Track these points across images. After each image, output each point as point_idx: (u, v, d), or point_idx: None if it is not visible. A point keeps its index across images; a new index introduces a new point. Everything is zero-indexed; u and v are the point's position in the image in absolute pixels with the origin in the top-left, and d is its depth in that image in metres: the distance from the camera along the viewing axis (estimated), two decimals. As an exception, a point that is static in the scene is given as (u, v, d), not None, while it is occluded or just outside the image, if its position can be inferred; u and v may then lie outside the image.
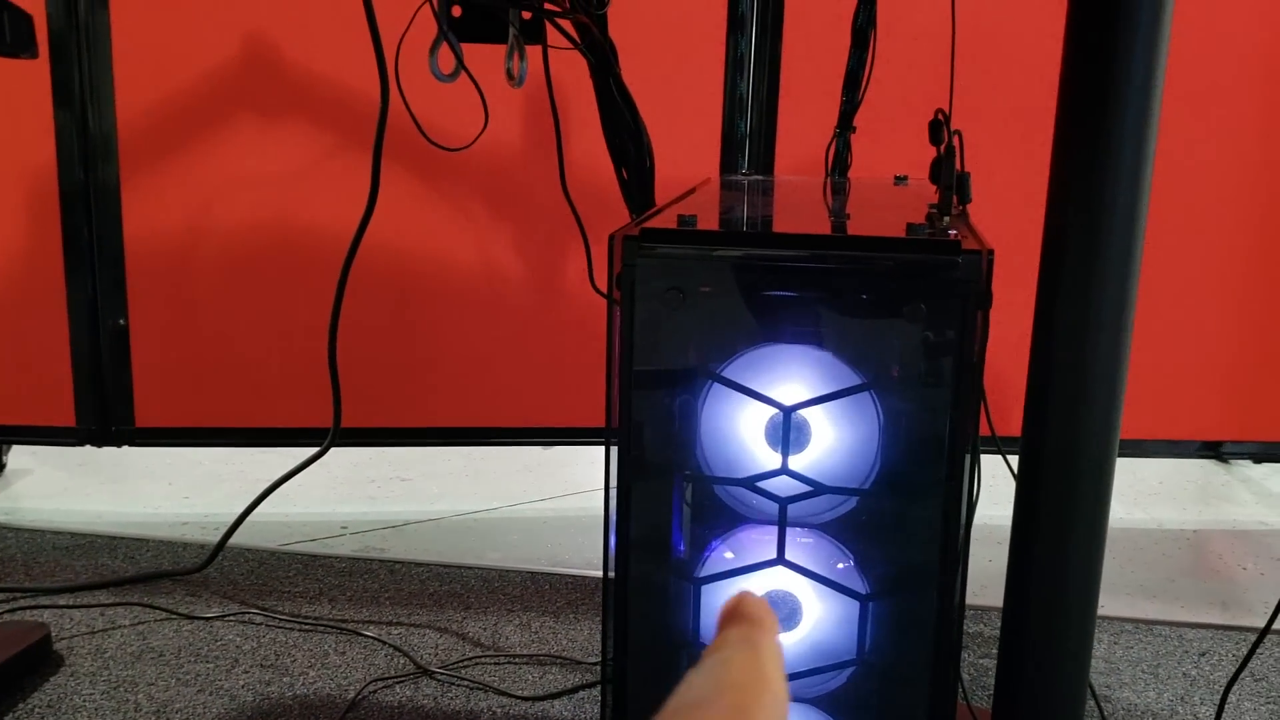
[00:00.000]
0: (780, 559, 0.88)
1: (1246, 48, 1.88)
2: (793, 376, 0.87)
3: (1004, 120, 1.83)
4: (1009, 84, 1.84)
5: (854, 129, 1.43)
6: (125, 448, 1.92)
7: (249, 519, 1.68)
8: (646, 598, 0.92)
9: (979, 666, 1.44)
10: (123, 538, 1.80)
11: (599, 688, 1.37)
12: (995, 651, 1.47)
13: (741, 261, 0.85)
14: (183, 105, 1.84)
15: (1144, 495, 2.12)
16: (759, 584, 0.90)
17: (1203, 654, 1.49)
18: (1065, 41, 0.92)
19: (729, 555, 0.91)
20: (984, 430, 0.91)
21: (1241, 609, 1.64)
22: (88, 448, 1.92)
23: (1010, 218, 1.45)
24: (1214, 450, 2.11)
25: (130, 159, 1.84)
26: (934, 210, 0.98)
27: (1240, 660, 1.46)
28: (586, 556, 1.77)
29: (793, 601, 0.90)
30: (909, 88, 1.69)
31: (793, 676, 0.89)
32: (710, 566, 0.90)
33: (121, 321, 1.88)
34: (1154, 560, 1.82)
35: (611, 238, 0.86)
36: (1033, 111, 1.81)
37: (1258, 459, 2.19)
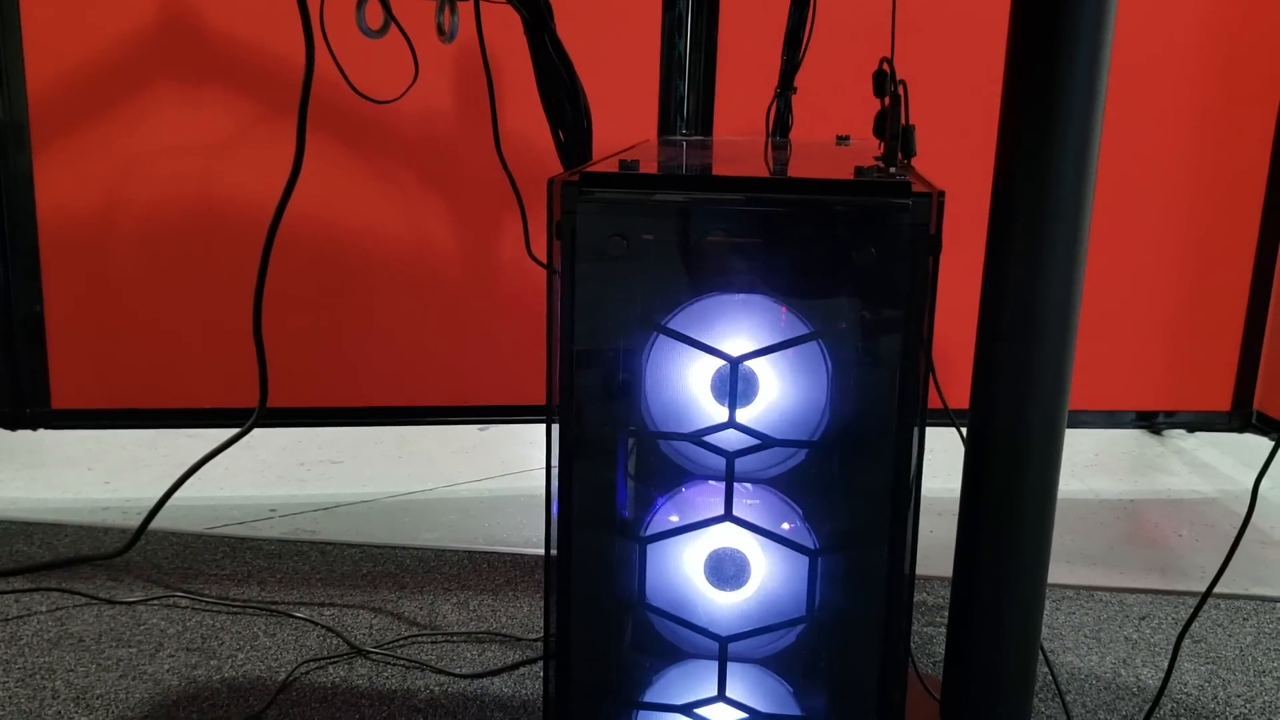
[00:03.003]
0: (728, 515, 0.85)
1: (1185, 21, 1.90)
2: (740, 327, 0.84)
3: (949, 80, 1.83)
4: (952, 43, 1.83)
5: (795, 90, 1.41)
6: (41, 431, 1.84)
7: (173, 503, 1.61)
8: (591, 561, 0.89)
9: (922, 635, 1.43)
10: (39, 524, 1.72)
11: (540, 663, 1.33)
12: (938, 620, 1.47)
13: (687, 206, 0.82)
14: (98, 74, 1.77)
15: (1080, 467, 2.13)
16: (707, 541, 0.87)
17: (1143, 618, 1.49)
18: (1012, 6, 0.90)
19: (674, 519, 0.88)
20: (932, 402, 0.89)
21: (1178, 574, 1.65)
22: (0, 431, 1.84)
23: (955, 179, 1.44)
24: (1148, 420, 2.13)
25: (43, 132, 1.77)
26: (879, 161, 0.96)
27: (1180, 622, 1.47)
28: (526, 535, 1.74)
29: (741, 558, 0.87)
30: (850, 49, 1.68)
31: (742, 636, 0.87)
32: (656, 525, 0.88)
33: (37, 308, 1.81)
34: (1093, 529, 1.83)
35: (551, 182, 0.82)
36: (977, 73, 1.81)
37: (1191, 428, 2.21)
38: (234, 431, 1.58)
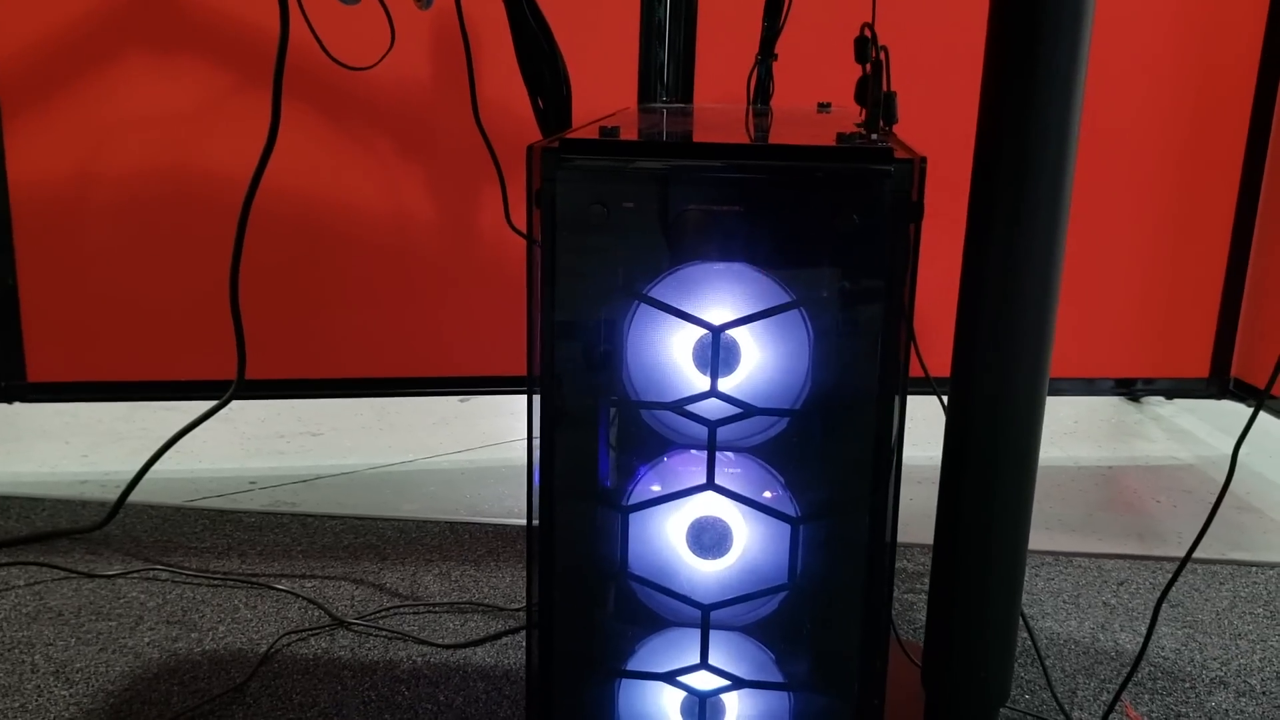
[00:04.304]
0: (710, 484, 0.85)
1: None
2: (721, 296, 0.84)
3: (931, 46, 1.82)
4: (934, 9, 1.83)
5: (775, 56, 1.40)
6: (16, 404, 1.83)
7: (152, 476, 1.60)
8: (573, 531, 0.88)
9: (902, 601, 1.43)
10: (15, 497, 1.71)
11: (522, 633, 1.33)
12: (917, 587, 1.48)
13: (668, 173, 0.81)
14: (68, 43, 1.74)
15: (1059, 434, 2.14)
16: (689, 510, 0.87)
17: (1121, 583, 1.51)
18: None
19: (656, 489, 0.88)
20: (913, 370, 0.89)
21: (1156, 540, 1.67)
22: (-25, 405, 1.83)
23: (937, 147, 1.44)
24: (1127, 387, 2.14)
25: (13, 103, 1.74)
26: (861, 127, 0.96)
27: (1158, 587, 1.48)
28: (507, 505, 1.73)
29: (723, 527, 0.87)
30: (831, 16, 1.67)
31: (724, 604, 0.87)
32: (638, 494, 0.87)
33: (10, 281, 1.78)
34: (1071, 496, 1.84)
35: (530, 149, 0.81)
36: (959, 39, 1.80)
37: (1170, 395, 2.23)
38: (212, 404, 1.57)
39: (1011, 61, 0.88)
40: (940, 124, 1.54)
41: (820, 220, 0.80)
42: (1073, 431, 2.17)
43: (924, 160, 0.79)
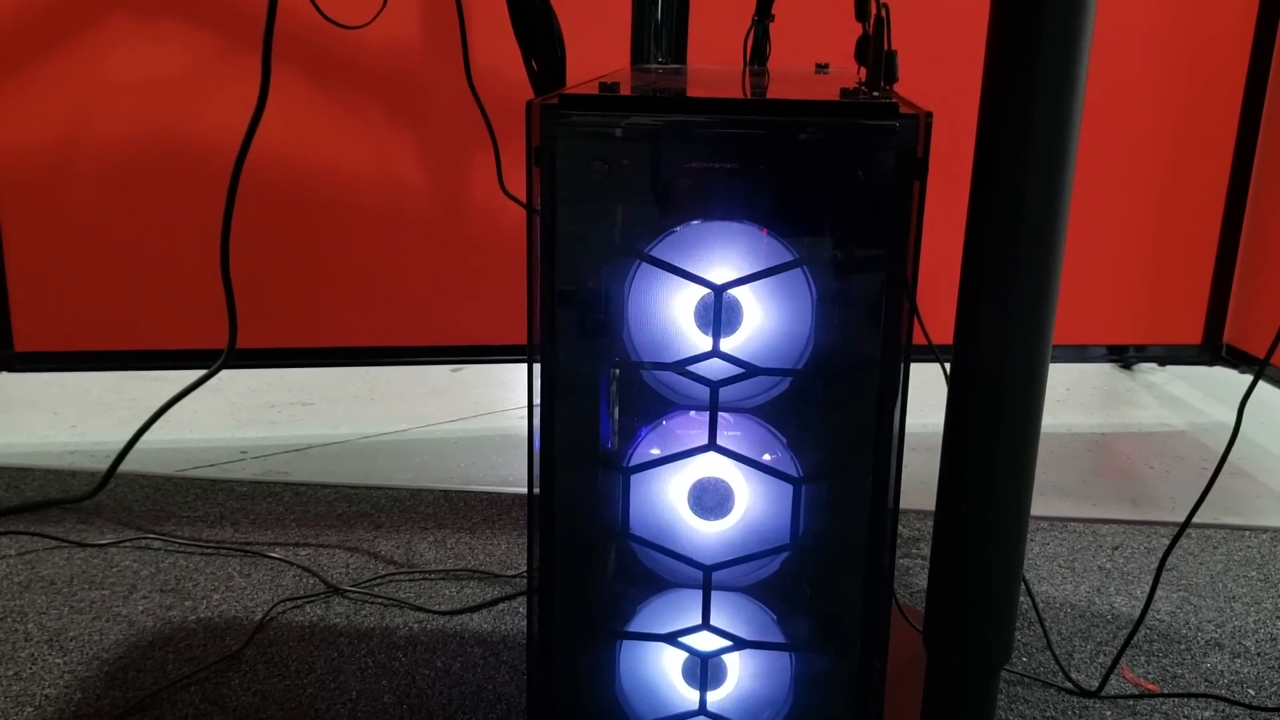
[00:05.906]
0: (712, 444, 0.84)
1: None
2: (723, 255, 0.83)
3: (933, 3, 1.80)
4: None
5: (773, 17, 1.38)
6: (3, 374, 1.81)
7: (142, 446, 1.59)
8: (574, 495, 0.88)
9: (899, 566, 1.43)
10: (4, 468, 1.69)
11: (519, 599, 1.33)
12: (914, 551, 1.48)
13: (671, 129, 0.80)
14: (51, 7, 1.71)
15: (1052, 401, 2.13)
16: (690, 471, 0.86)
17: (1116, 548, 1.51)
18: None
19: (655, 452, 0.87)
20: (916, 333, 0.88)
21: (1150, 505, 1.67)
22: (-38, 375, 1.81)
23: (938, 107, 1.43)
24: (1119, 354, 2.14)
25: (-4, 66, 1.72)
26: (862, 86, 0.95)
27: (1152, 551, 1.49)
28: (502, 474, 1.73)
29: (724, 488, 0.87)
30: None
31: (726, 564, 0.86)
32: (639, 456, 0.87)
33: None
34: (1065, 462, 1.84)
35: (529, 106, 0.80)
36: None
37: (1162, 362, 2.23)
38: (201, 373, 1.56)
39: (1016, 18, 0.87)
40: (942, 85, 1.53)
41: (824, 177, 0.79)
42: (1065, 399, 2.17)
43: (929, 115, 0.78)
